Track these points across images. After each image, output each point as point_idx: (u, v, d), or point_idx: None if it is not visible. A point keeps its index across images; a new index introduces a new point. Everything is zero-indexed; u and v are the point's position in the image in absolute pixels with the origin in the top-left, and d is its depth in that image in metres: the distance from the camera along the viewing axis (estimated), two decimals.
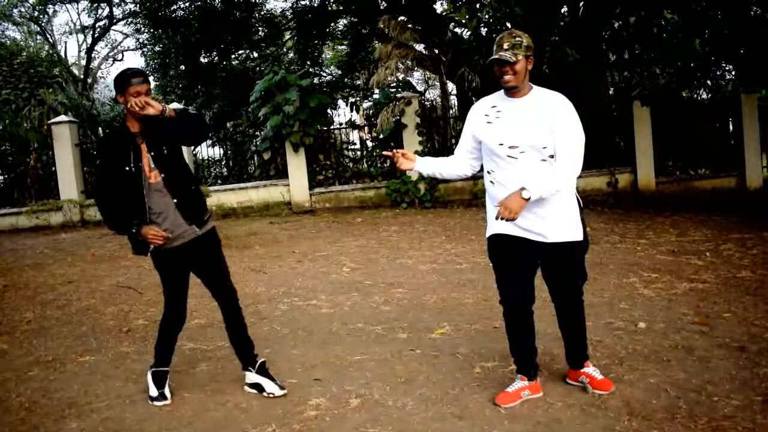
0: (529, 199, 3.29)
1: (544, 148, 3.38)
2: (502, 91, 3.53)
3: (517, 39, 3.38)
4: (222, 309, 4.03)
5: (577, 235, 3.52)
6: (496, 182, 3.52)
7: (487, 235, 3.68)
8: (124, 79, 3.66)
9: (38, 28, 29.75)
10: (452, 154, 3.86)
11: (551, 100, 3.43)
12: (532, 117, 3.40)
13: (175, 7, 20.67)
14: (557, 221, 3.46)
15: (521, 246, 3.51)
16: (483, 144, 3.58)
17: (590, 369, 3.74)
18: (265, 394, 3.90)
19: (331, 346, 4.79)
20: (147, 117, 3.65)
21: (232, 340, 4.06)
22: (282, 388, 3.93)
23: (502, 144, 3.45)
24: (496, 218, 3.36)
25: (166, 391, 3.94)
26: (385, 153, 3.85)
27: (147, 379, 4.00)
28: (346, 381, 4.07)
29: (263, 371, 3.98)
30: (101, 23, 28.32)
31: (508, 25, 11.28)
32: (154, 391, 3.93)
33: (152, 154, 3.77)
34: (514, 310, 3.67)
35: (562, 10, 13.47)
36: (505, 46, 3.37)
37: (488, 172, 3.59)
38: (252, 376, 3.97)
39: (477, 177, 13.53)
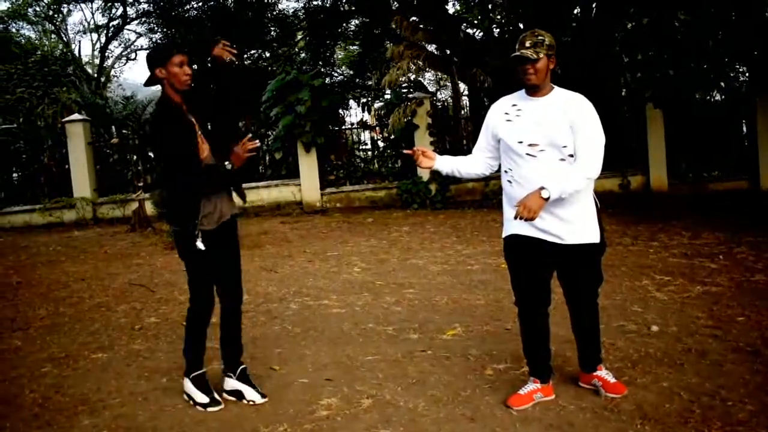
0: (548, 198, 3.27)
1: (564, 147, 3.37)
2: (523, 90, 3.53)
3: (540, 38, 3.37)
4: (224, 307, 3.92)
5: (594, 237, 3.50)
6: (513, 181, 3.50)
7: (504, 236, 3.66)
8: (165, 51, 3.64)
9: (53, 27, 29.96)
10: (462, 154, 3.86)
11: (572, 100, 3.42)
12: (552, 116, 3.38)
13: (188, 6, 20.77)
14: (575, 223, 3.45)
15: (538, 247, 3.49)
16: (502, 142, 3.56)
17: (603, 372, 3.71)
18: (245, 401, 3.83)
19: (342, 346, 4.79)
20: (188, 90, 3.65)
21: (223, 340, 3.96)
22: (263, 396, 3.85)
23: (521, 142, 3.43)
24: (515, 218, 3.34)
25: (216, 394, 3.83)
26: (405, 151, 3.85)
27: (187, 387, 3.86)
28: (357, 381, 4.07)
29: (244, 378, 3.91)
30: (115, 22, 28.49)
31: (521, 25, 11.27)
32: (203, 398, 3.80)
33: (202, 130, 3.72)
34: (529, 311, 3.66)
35: (575, 11, 13.44)
36: (527, 44, 3.37)
37: (506, 171, 3.57)
38: (232, 383, 3.90)
39: (489, 178, 13.48)
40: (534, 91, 3.46)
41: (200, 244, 3.67)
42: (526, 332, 3.72)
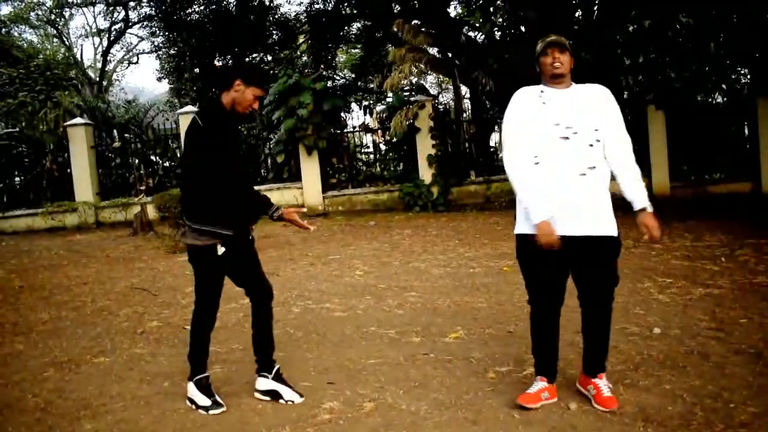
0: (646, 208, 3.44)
1: (596, 130, 3.41)
2: (543, 84, 3.57)
3: (562, 38, 3.48)
4: (255, 306, 3.94)
5: (612, 230, 3.46)
6: (541, 168, 3.44)
7: (516, 233, 3.59)
8: (259, 77, 3.74)
9: (55, 32, 30.04)
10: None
11: (597, 91, 3.53)
12: (582, 102, 3.47)
13: (190, 10, 20.80)
14: (595, 214, 3.42)
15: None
16: (534, 126, 3.47)
17: (602, 382, 3.62)
18: (282, 401, 3.83)
19: (344, 350, 4.79)
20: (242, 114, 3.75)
21: (256, 339, 3.96)
22: (301, 395, 3.88)
23: (558, 124, 3.42)
24: (651, 241, 3.51)
25: (218, 397, 3.85)
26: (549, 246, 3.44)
27: (190, 390, 3.87)
28: (359, 385, 4.07)
29: (280, 378, 3.93)
30: (117, 26, 28.60)
31: (522, 28, 11.27)
32: (205, 401, 3.79)
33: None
34: (543, 309, 3.61)
35: (576, 14, 13.44)
36: (553, 36, 3.48)
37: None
38: (268, 383, 3.89)
39: (490, 181, 13.52)
40: (559, 81, 3.49)
41: (220, 249, 3.71)
42: (538, 331, 3.67)
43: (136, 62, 33.48)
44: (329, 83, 19.98)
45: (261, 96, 3.75)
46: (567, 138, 3.40)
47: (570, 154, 3.39)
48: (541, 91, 3.54)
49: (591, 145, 3.41)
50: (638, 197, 3.45)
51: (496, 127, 15.73)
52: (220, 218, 3.70)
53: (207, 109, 3.74)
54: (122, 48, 32.33)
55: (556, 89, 3.50)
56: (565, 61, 3.45)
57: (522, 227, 3.55)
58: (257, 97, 3.72)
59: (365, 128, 15.91)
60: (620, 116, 3.51)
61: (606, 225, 3.45)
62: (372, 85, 23.02)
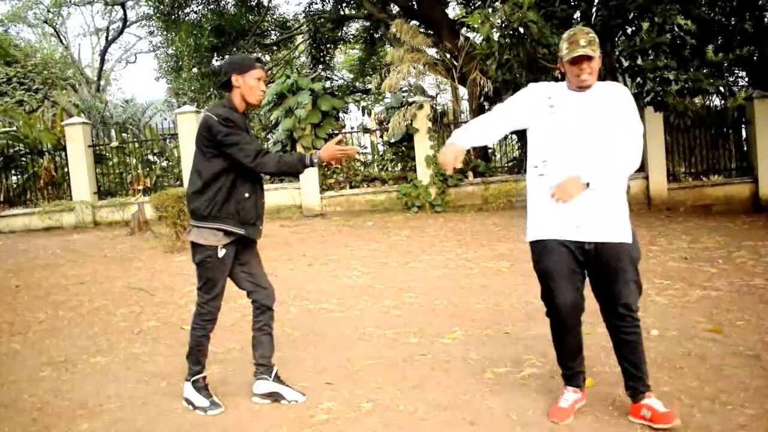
0: (588, 184, 3.15)
1: (609, 136, 3.25)
2: (563, 84, 3.37)
3: (591, 35, 3.19)
4: (258, 309, 3.92)
5: (627, 236, 3.29)
6: (547, 173, 3.31)
7: (529, 240, 3.43)
8: (248, 61, 3.69)
9: (52, 30, 30.02)
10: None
11: (616, 93, 3.32)
12: (598, 107, 3.26)
13: (188, 10, 20.79)
14: (606, 221, 3.26)
15: (568, 249, 3.29)
16: (538, 130, 3.36)
17: (651, 400, 3.32)
18: (285, 402, 3.82)
19: (342, 350, 4.79)
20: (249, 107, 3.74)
21: (258, 342, 3.93)
22: (303, 394, 3.88)
23: (565, 132, 3.28)
24: (552, 197, 3.19)
25: (216, 398, 3.84)
26: (449, 172, 3.59)
27: (187, 391, 3.85)
28: (357, 385, 4.06)
29: (279, 380, 3.93)
30: (115, 26, 28.60)
31: (521, 30, 11.27)
32: (203, 401, 3.78)
33: None
34: (564, 319, 3.37)
35: (575, 16, 13.45)
36: (582, 42, 3.16)
37: (535, 166, 3.37)
38: (268, 385, 3.87)
39: (488, 182, 13.52)
40: (585, 89, 3.30)
41: (221, 251, 3.69)
42: (560, 342, 3.48)
43: (134, 61, 33.56)
44: (327, 83, 19.98)
45: (261, 76, 3.71)
46: (575, 147, 3.26)
47: (578, 164, 3.23)
48: (549, 97, 3.35)
49: (602, 154, 3.24)
50: (592, 173, 3.20)
51: None
52: (231, 216, 3.68)
53: (221, 107, 3.70)
54: (120, 47, 32.43)
55: (574, 93, 3.31)
56: (594, 69, 3.22)
57: (533, 233, 3.39)
58: (260, 78, 3.70)
59: (363, 129, 15.90)
60: (636, 123, 3.28)
61: (618, 232, 3.27)
62: (370, 86, 23.04)
